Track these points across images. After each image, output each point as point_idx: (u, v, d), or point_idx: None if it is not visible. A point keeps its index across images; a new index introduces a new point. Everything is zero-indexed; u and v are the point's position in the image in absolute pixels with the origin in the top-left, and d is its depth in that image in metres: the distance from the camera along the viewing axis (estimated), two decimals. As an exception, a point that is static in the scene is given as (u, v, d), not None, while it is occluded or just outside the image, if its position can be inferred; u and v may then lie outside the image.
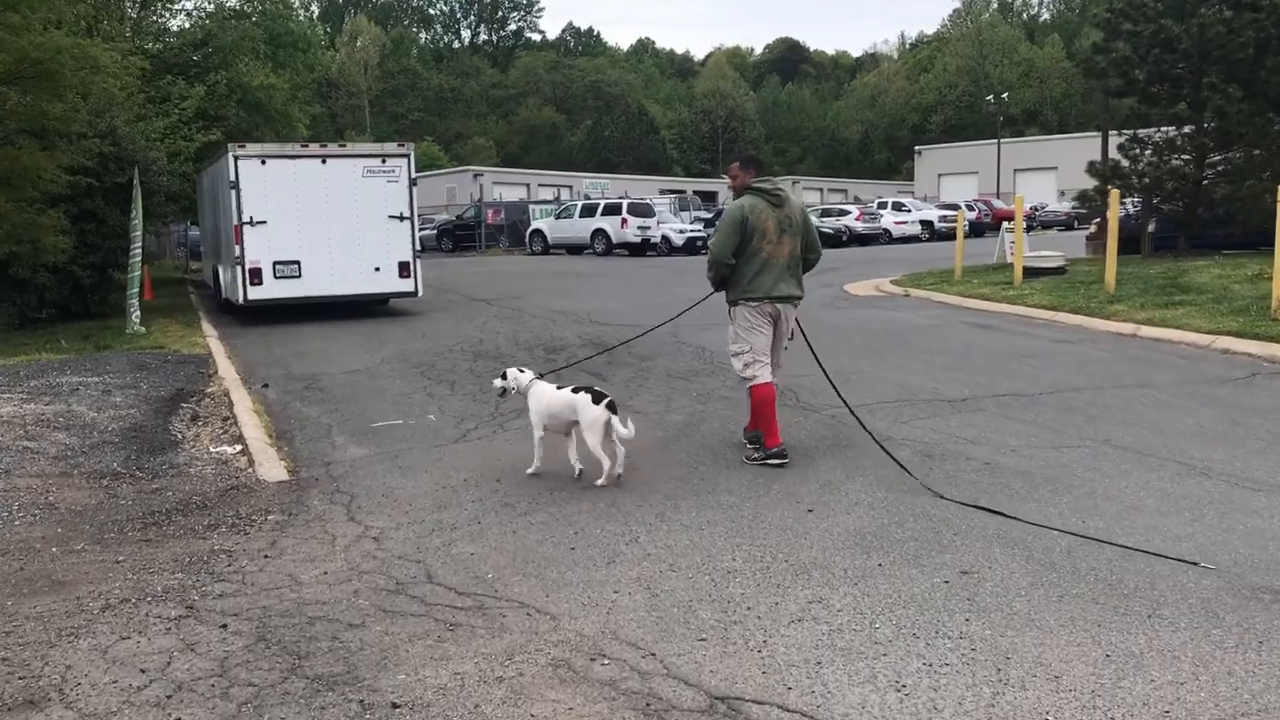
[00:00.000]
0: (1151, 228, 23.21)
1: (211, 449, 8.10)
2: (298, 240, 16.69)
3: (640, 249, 37.45)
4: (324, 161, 17.00)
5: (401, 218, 17.26)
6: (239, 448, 8.05)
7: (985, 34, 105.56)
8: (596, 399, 6.61)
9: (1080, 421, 7.91)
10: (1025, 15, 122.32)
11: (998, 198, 62.41)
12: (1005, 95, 78.66)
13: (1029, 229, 25.72)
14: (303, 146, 17.80)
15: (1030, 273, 17.96)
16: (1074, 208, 53.38)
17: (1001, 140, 72.45)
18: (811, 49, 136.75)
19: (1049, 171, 75.26)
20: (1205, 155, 20.54)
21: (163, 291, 23.89)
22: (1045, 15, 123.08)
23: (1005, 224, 27.89)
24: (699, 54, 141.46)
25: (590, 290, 21.47)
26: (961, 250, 20.86)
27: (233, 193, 16.38)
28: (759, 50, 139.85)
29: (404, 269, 17.36)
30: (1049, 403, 8.61)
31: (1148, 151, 20.87)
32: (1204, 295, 13.90)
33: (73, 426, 8.46)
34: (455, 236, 45.71)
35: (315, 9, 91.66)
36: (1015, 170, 73.25)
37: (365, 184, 17.09)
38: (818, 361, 7.77)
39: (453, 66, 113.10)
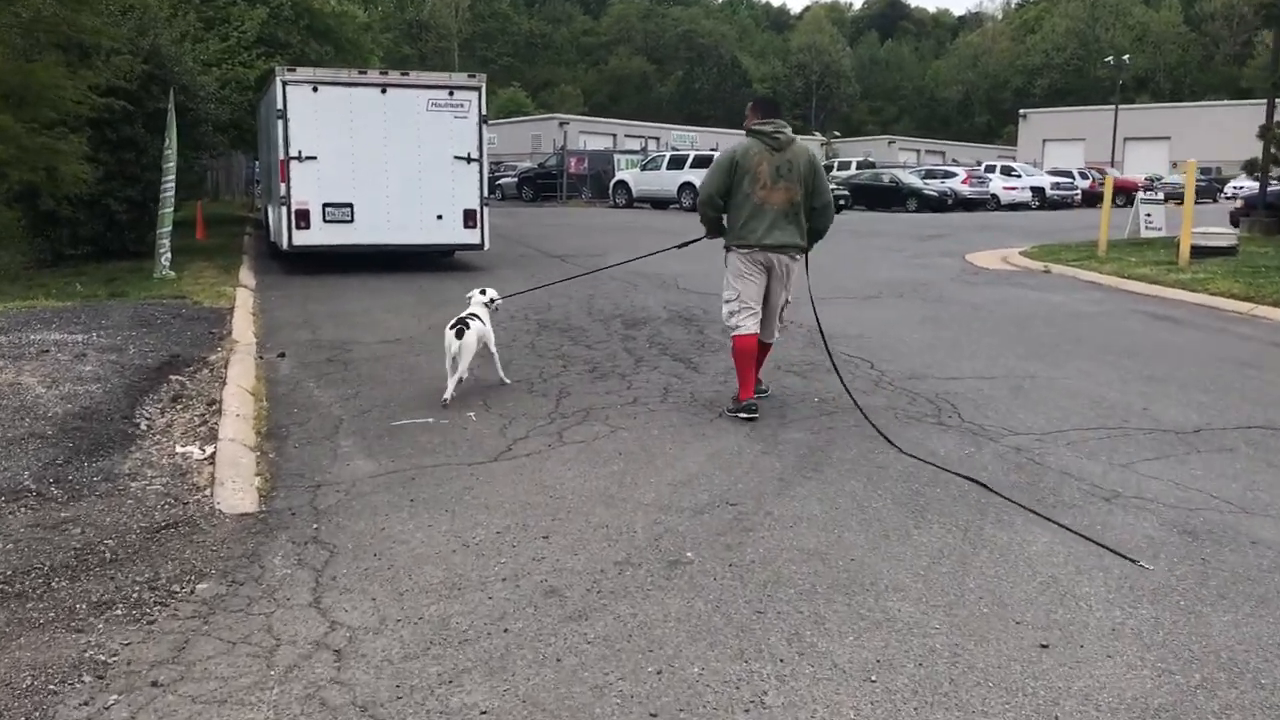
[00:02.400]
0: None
1: (177, 449, 6.04)
2: (351, 180, 14.62)
3: (730, 206, 34.98)
4: (384, 91, 14.84)
5: (469, 159, 15.09)
6: (209, 450, 5.98)
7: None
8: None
9: (1386, 478, 5.51)
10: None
11: (1112, 166, 58.55)
12: (1127, 57, 74.04)
13: (1160, 200, 22.81)
14: (361, 74, 15.63)
15: (1196, 251, 15.25)
16: (1209, 178, 49.17)
17: (1118, 106, 68.19)
18: (913, 5, 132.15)
19: (1161, 141, 71.05)
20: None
21: (219, 232, 22.07)
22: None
23: (1141, 194, 24.89)
24: (796, 7, 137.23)
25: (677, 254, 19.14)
26: (1107, 221, 18.10)
27: (280, 123, 14.33)
28: (858, 5, 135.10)
29: (470, 218, 15.21)
30: (1320, 442, 6.19)
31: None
32: None
33: (1, 408, 6.46)
34: (536, 185, 43.60)
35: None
36: (1126, 139, 69.13)
37: (430, 119, 14.92)
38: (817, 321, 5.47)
39: (545, 11, 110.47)
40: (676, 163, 36.99)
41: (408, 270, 14.75)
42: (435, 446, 6.08)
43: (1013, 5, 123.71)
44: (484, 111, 15.23)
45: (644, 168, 39.03)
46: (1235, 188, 44.92)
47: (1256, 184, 25.38)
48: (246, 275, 14.50)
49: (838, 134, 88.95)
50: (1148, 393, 7.43)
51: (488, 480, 5.43)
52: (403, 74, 15.82)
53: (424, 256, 15.61)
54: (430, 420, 6.67)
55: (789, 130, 6.82)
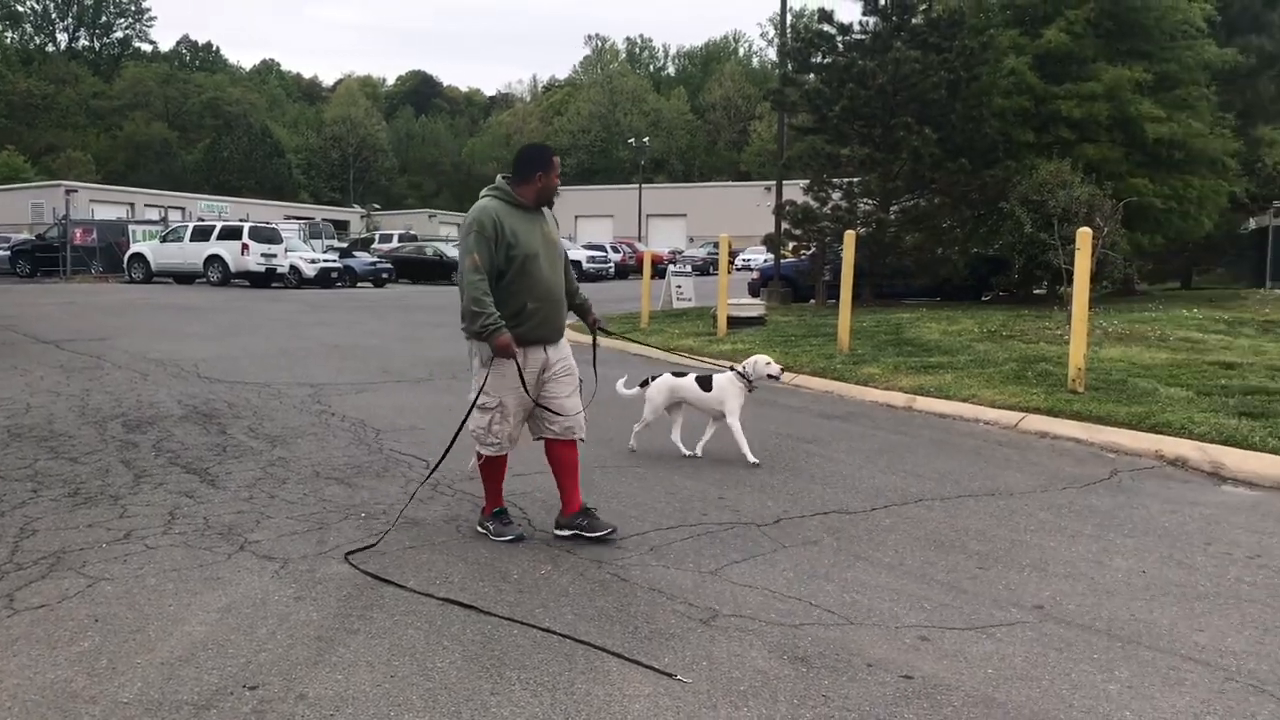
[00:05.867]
0: (827, 276, 22.07)
1: None
2: None
3: (265, 280, 32.72)
4: None
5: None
6: None
7: (615, 82, 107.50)
8: None
9: (967, 564, 5.28)
10: (652, 67, 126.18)
11: (639, 240, 62.19)
12: (647, 140, 79.56)
13: (688, 273, 24.04)
14: None
15: (731, 322, 15.75)
16: (709, 253, 53.24)
17: (641, 185, 73.04)
18: (445, 83, 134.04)
19: (679, 218, 76.94)
20: (893, 200, 19.46)
21: None
22: (670, 69, 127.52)
23: (672, 267, 26.08)
24: (328, 80, 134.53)
25: (201, 330, 17.13)
26: (648, 293, 18.43)
27: None
28: (391, 81, 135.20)
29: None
30: (899, 528, 5.93)
31: (837, 194, 19.52)
32: (956, 356, 12.07)
33: None
34: (35, 259, 38.72)
35: None
36: (649, 215, 74.10)
37: None
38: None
39: (45, 71, 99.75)
40: (202, 234, 34.12)
41: None
42: None
43: (540, 88, 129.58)
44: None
45: (164, 239, 35.68)
46: (745, 260, 49.17)
47: (765, 256, 27.48)
48: None
49: (378, 206, 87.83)
50: (721, 479, 6.98)
51: (-120, 688, 3.73)
52: None
53: None
54: None
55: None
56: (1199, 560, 5.37)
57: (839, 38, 21.40)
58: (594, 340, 6.32)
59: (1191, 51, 22.35)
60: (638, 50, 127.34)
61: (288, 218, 55.43)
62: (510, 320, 5.33)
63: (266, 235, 33.66)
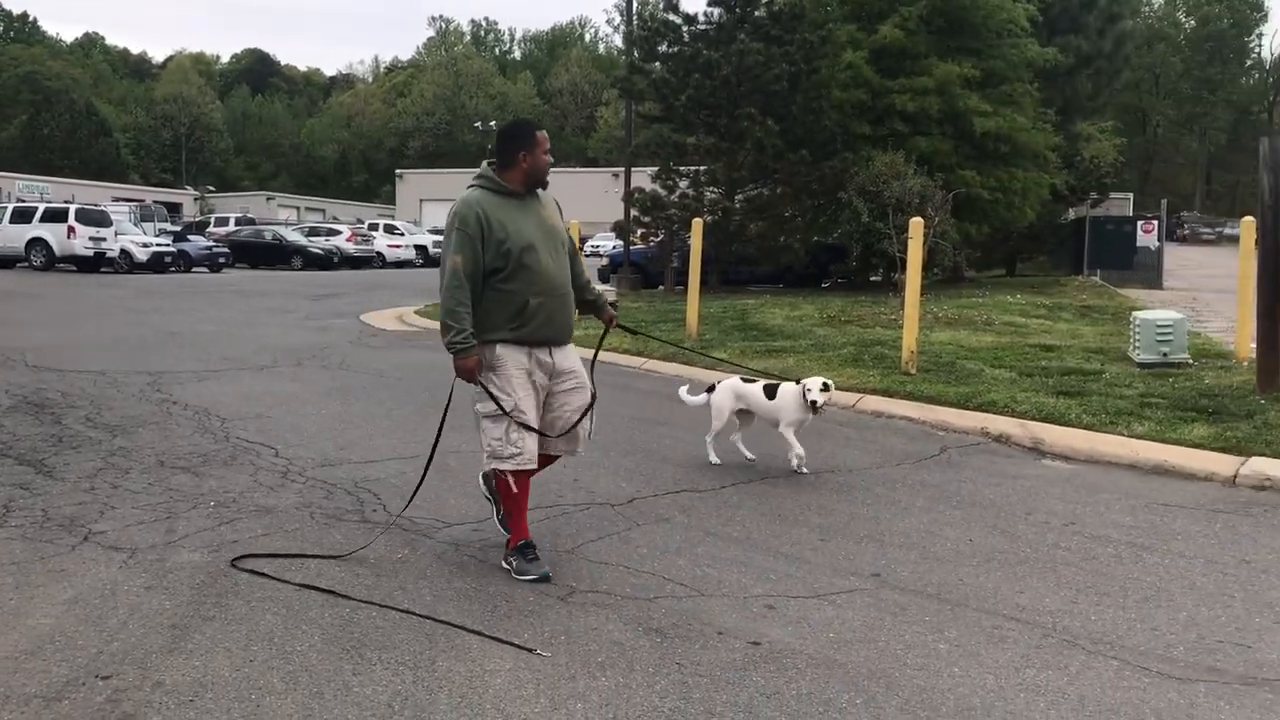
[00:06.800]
0: (675, 263, 22.46)
1: None
2: None
3: (93, 264, 31.30)
4: None
5: None
6: None
7: (460, 65, 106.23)
8: None
9: (810, 536, 5.55)
10: (498, 50, 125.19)
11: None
12: (493, 124, 78.84)
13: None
14: None
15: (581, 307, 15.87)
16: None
17: (487, 169, 72.26)
18: (283, 62, 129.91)
19: (527, 203, 76.40)
20: (738, 188, 19.94)
21: None
22: (516, 53, 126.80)
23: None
24: (158, 56, 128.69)
25: (28, 318, 16.36)
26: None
27: None
28: (226, 58, 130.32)
29: None
30: (746, 504, 6.18)
31: (684, 182, 19.88)
32: (798, 340, 12.50)
33: None
34: None
35: None
36: (495, 200, 73.35)
37: None
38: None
39: None
40: (22, 215, 32.39)
41: None
42: None
43: (382, 69, 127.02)
44: None
45: (-20, 221, 33.66)
46: (594, 246, 49.38)
47: (615, 242, 27.76)
48: None
49: (212, 188, 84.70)
50: (576, 462, 7.10)
51: None
52: None
53: None
54: None
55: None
56: (1020, 529, 5.77)
57: (684, 28, 21.78)
58: (601, 339, 5.75)
59: (1016, 50, 23.53)
60: (483, 33, 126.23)
61: (116, 199, 52.94)
62: (512, 322, 4.78)
63: (95, 218, 32.15)
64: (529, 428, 4.82)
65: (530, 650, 4.02)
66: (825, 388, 6.82)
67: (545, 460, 5.08)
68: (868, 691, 3.72)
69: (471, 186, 4.87)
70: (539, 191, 4.98)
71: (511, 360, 4.81)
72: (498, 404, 4.77)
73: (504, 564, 4.89)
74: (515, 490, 4.85)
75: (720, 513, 5.97)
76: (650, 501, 6.18)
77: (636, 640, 4.15)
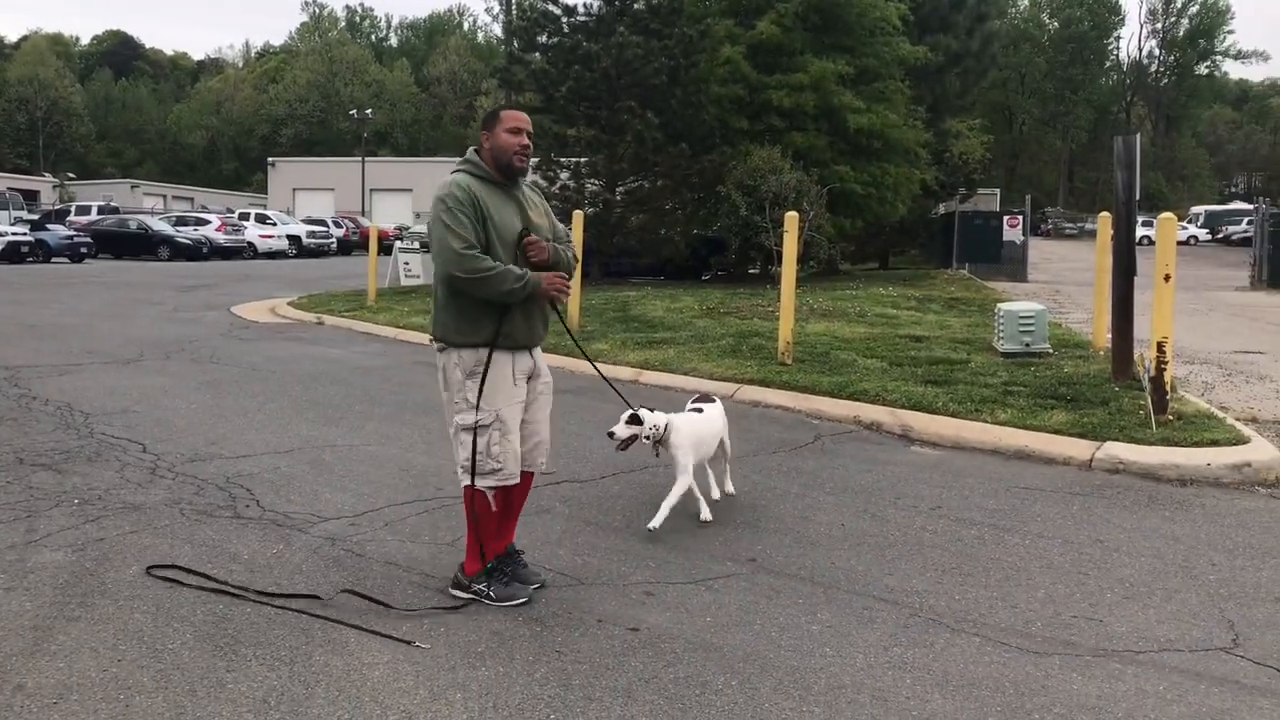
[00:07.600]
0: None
1: None
2: None
3: (-59, 254, 29.79)
4: None
5: None
6: None
7: (335, 51, 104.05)
8: None
9: (688, 524, 5.63)
10: (374, 37, 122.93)
11: (363, 215, 60.71)
12: (370, 112, 77.49)
13: (416, 249, 23.76)
14: None
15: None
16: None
17: (365, 158, 71.15)
18: (147, 45, 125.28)
19: (405, 193, 75.42)
20: (618, 181, 20.01)
21: None
22: (393, 40, 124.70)
23: (399, 244, 25.71)
24: (12, 35, 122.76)
25: None
26: (375, 271, 18.16)
27: None
28: (86, 40, 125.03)
29: None
30: (626, 494, 6.24)
31: (565, 174, 19.87)
32: (679, 331, 12.62)
33: None
34: None
35: None
36: (372, 190, 72.32)
37: None
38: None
39: None
40: None
41: None
42: None
43: (253, 54, 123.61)
44: None
45: None
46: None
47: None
48: None
49: (72, 176, 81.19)
50: (448, 454, 7.08)
51: None
52: None
53: None
54: None
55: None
56: (890, 513, 5.96)
57: (564, 19, 21.77)
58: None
59: (888, 47, 24.11)
60: (358, 19, 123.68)
61: (-33, 186, 50.39)
62: (497, 323, 4.40)
63: (-57, 205, 30.61)
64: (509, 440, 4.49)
65: (409, 643, 4.01)
66: (633, 420, 5.56)
67: (527, 477, 4.77)
68: (743, 674, 3.81)
69: (457, 170, 4.50)
70: (525, 188, 4.65)
71: (496, 369, 4.45)
72: (477, 416, 4.42)
73: (459, 591, 4.51)
74: (495, 509, 4.52)
75: (601, 503, 6.02)
76: (532, 493, 6.16)
77: (516, 630, 4.17)
